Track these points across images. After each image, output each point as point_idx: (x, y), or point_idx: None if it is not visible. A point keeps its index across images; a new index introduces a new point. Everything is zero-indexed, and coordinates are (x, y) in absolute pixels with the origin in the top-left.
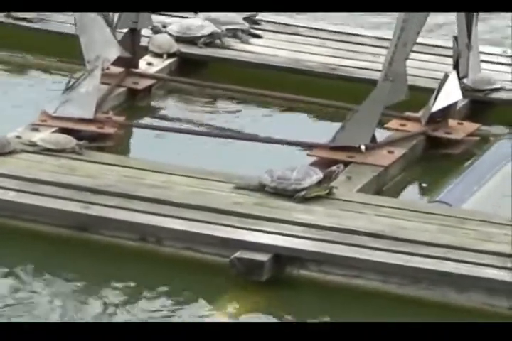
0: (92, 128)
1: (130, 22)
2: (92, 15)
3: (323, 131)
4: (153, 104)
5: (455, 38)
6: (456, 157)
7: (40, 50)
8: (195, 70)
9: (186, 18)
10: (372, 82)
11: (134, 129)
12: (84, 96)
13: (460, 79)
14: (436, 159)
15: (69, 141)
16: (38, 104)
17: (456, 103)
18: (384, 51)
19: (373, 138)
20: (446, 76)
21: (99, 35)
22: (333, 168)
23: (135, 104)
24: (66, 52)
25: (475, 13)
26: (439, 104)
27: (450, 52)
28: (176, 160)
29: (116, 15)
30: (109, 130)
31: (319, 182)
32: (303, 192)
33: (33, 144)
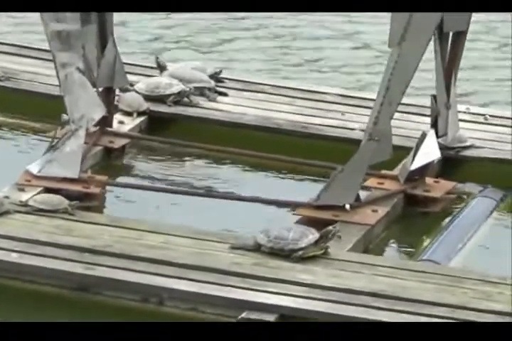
0: (77, 187)
1: (107, 81)
2: (77, 75)
3: (298, 189)
4: (128, 162)
5: (434, 97)
6: (435, 215)
7: (7, 108)
8: (165, 128)
9: (152, 76)
10: (343, 140)
11: (113, 188)
12: (69, 155)
13: (438, 137)
14: (415, 217)
15: (61, 202)
16: (10, 163)
17: (433, 161)
18: (349, 108)
19: (357, 197)
20: (424, 134)
21: (84, 95)
22: (330, 227)
23: (110, 162)
24: (34, 111)
25: (454, 73)
26: (418, 162)
27: (414, 110)
28: (159, 218)
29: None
30: (94, 189)
31: (316, 242)
32: (300, 252)
33: (24, 204)
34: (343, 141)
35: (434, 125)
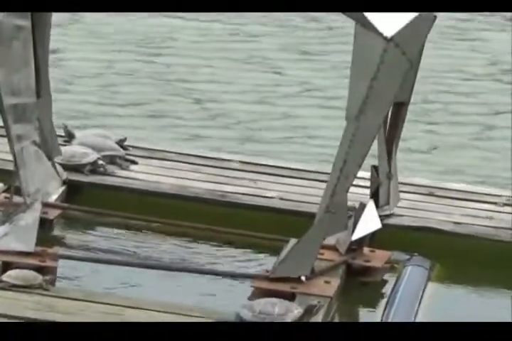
0: (33, 261)
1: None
2: (33, 148)
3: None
4: (61, 233)
5: (374, 167)
6: (374, 284)
7: None
8: (85, 197)
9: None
10: (263, 209)
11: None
12: (25, 229)
13: (379, 207)
14: (357, 287)
15: (35, 277)
16: None
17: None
18: (256, 176)
19: (312, 269)
20: (363, 205)
21: (39, 169)
22: (314, 302)
23: (46, 234)
24: None
25: (395, 143)
26: (359, 232)
27: (321, 177)
28: (119, 291)
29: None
30: (50, 263)
31: (301, 317)
32: None
33: None
34: (262, 209)
35: (375, 195)
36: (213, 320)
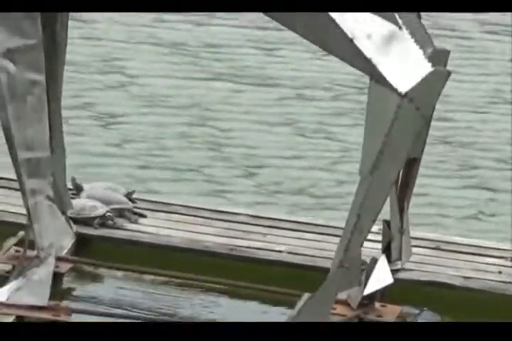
0: (48, 315)
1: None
2: (47, 203)
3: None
4: (72, 287)
5: (386, 222)
6: None
7: None
8: (94, 251)
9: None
10: (271, 263)
11: None
12: (38, 283)
13: (391, 262)
14: None
15: None
16: None
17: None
18: (266, 229)
19: None
20: (375, 260)
21: (53, 223)
22: None
23: (58, 287)
24: None
25: (407, 198)
26: (371, 287)
27: (329, 231)
28: None
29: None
30: (64, 317)
31: None
32: None
33: None
34: (272, 263)
35: (386, 250)
36: None
